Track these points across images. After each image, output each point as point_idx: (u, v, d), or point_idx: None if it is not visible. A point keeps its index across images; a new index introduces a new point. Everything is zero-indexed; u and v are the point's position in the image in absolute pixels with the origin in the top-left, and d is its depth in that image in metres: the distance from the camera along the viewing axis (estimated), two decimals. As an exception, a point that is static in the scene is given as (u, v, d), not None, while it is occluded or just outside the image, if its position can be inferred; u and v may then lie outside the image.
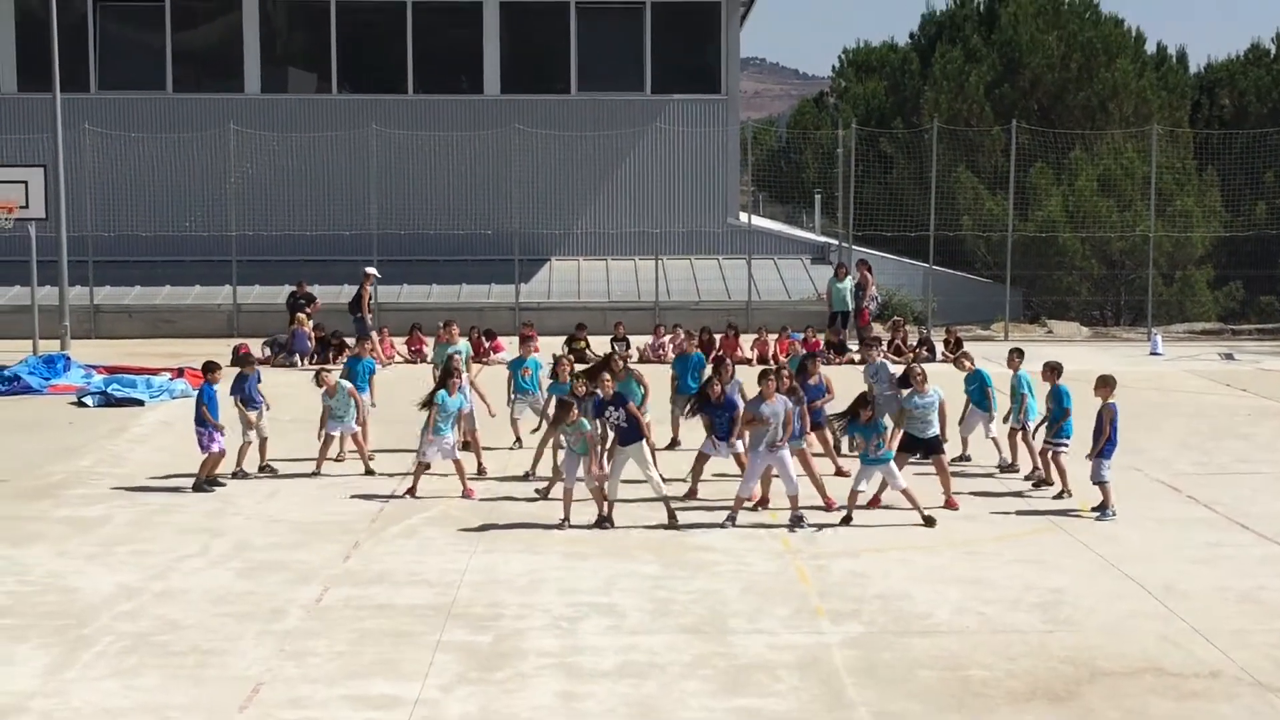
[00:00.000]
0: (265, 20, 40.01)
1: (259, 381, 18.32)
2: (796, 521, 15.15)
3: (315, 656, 10.96)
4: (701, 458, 16.72)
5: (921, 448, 16.26)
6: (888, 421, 16.23)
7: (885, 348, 29.67)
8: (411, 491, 16.67)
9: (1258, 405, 24.11)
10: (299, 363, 29.55)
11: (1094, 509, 15.69)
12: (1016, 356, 17.94)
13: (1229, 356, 31.13)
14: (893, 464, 15.34)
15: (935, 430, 16.39)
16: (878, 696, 10.15)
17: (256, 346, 30.38)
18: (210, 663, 10.82)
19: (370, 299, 31.07)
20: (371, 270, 31.64)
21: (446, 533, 14.86)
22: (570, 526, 15.01)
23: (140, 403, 23.88)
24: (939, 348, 29.99)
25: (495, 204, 38.55)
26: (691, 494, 16.60)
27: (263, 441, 18.07)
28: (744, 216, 40.61)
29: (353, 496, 16.70)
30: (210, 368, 17.60)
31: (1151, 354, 31.86)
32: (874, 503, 15.80)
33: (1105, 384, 15.85)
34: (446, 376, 17.00)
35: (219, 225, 37.28)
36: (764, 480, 15.83)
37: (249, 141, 37.81)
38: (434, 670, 10.62)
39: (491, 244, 37.92)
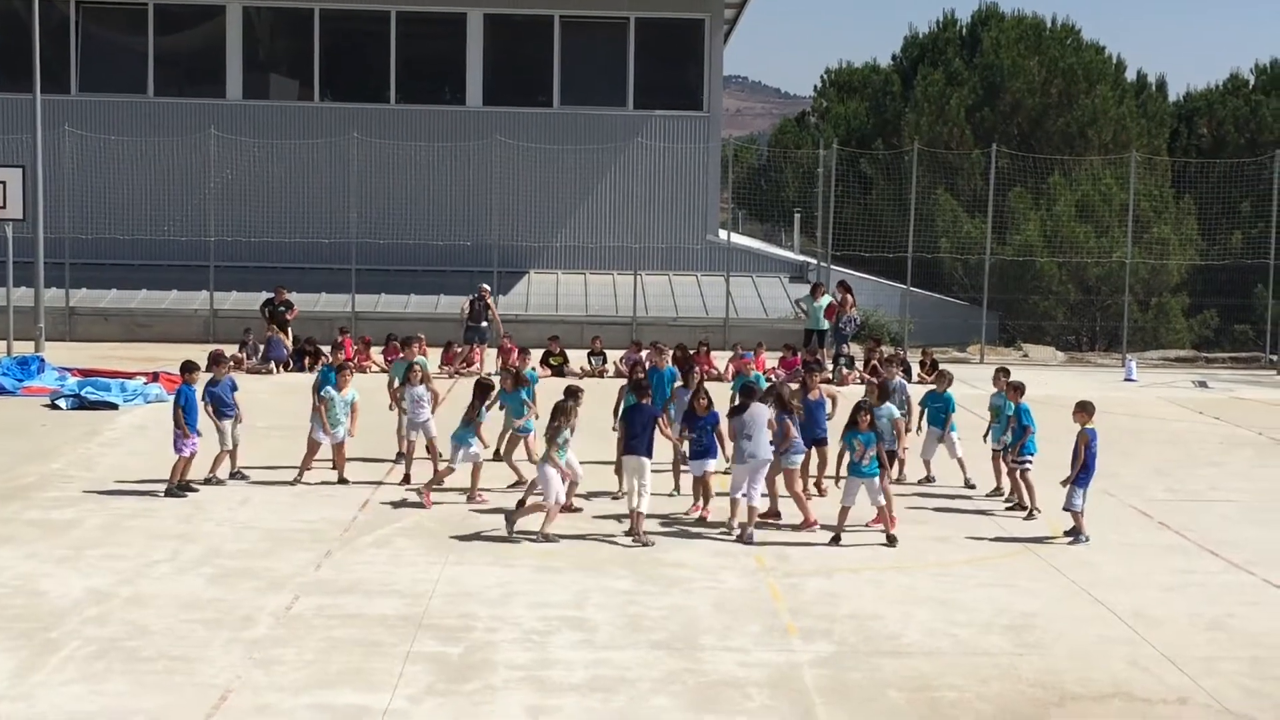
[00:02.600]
0: (248, 26, 39.96)
1: (234, 389, 18.06)
2: (743, 538, 15.24)
3: (284, 665, 10.92)
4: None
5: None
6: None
7: (863, 368, 29.87)
8: (426, 497, 16.67)
9: (1230, 433, 24.23)
10: (275, 370, 29.50)
11: (1066, 533, 15.74)
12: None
13: (1203, 384, 31.28)
14: (877, 480, 15.32)
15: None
16: (847, 716, 10.16)
17: (231, 353, 30.37)
18: (178, 669, 10.77)
19: (480, 308, 31.06)
20: (486, 286, 31.90)
21: (419, 543, 14.83)
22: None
23: (114, 406, 23.79)
24: (915, 369, 30.09)
25: (475, 215, 38.53)
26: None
27: (233, 449, 17.92)
28: (723, 234, 40.68)
29: (325, 505, 16.64)
30: (188, 368, 17.39)
31: (1126, 380, 31.97)
32: (878, 519, 15.75)
33: (1084, 409, 15.81)
34: (485, 392, 17.03)
35: (197, 230, 37.22)
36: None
37: (229, 147, 37.74)
38: (403, 681, 10.59)
39: (471, 255, 37.91)
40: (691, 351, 28.58)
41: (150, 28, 39.41)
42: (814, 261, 39.95)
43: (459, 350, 30.56)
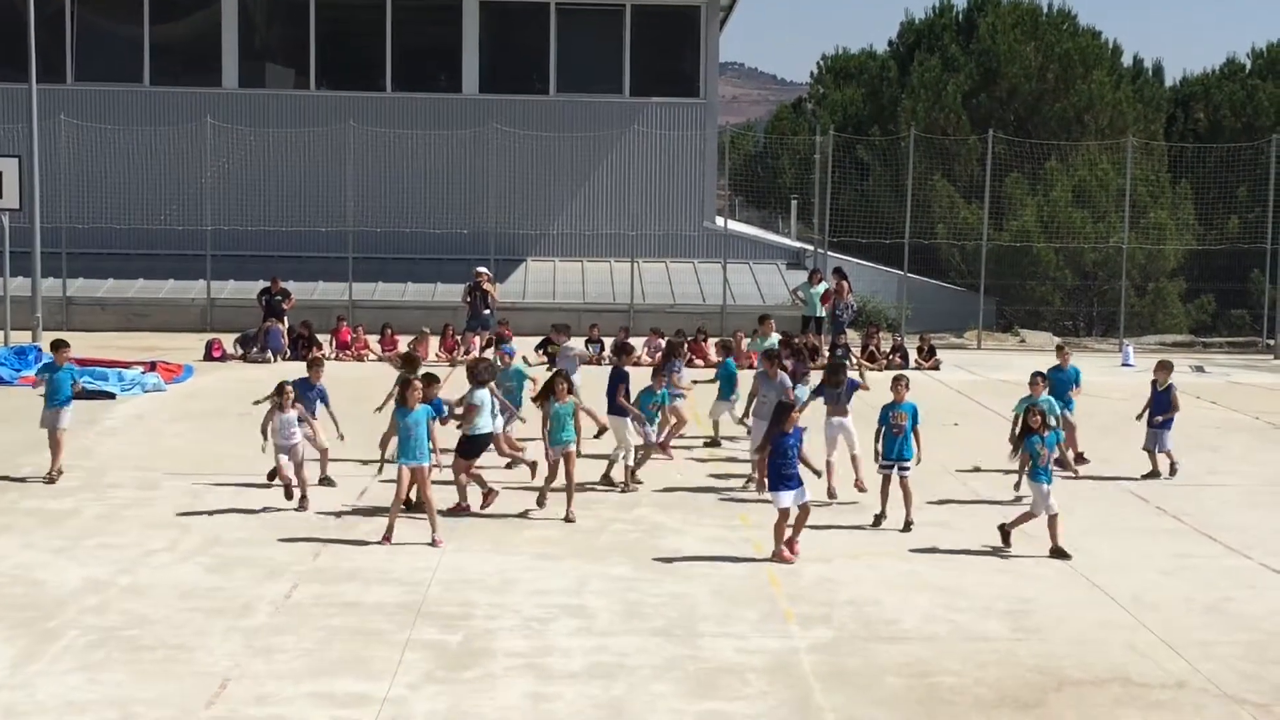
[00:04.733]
0: (244, 15, 39.88)
1: (323, 399, 17.06)
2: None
3: (283, 653, 10.93)
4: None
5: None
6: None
7: (861, 354, 29.87)
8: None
9: (1227, 418, 24.25)
10: (273, 359, 29.53)
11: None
12: (1041, 380, 17.19)
13: (1199, 369, 31.27)
14: (1047, 486, 14.37)
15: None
16: (845, 702, 10.18)
17: (229, 342, 30.39)
18: (178, 658, 10.78)
19: (478, 297, 30.94)
20: (483, 269, 31.74)
21: (417, 531, 14.82)
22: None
23: (112, 395, 23.78)
24: (912, 355, 30.15)
25: (472, 203, 38.52)
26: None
27: (323, 453, 17.00)
28: (720, 221, 40.66)
29: (324, 495, 16.60)
30: (429, 380, 15.66)
31: (1123, 365, 31.99)
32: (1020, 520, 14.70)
33: (1165, 368, 18.80)
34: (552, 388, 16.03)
35: (194, 219, 37.22)
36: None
37: (226, 136, 37.71)
38: (402, 669, 10.60)
39: (467, 243, 37.88)
40: (689, 339, 28.75)
41: (146, 16, 39.32)
42: (811, 248, 39.94)
43: (457, 337, 30.57)
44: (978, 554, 14.41)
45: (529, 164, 38.90)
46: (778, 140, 53.93)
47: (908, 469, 15.57)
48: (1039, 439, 14.40)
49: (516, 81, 40.23)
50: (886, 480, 15.61)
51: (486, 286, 31.19)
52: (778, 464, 13.88)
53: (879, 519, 15.51)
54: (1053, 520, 14.31)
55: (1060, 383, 18.39)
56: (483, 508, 15.79)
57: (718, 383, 20.07)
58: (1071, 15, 50.01)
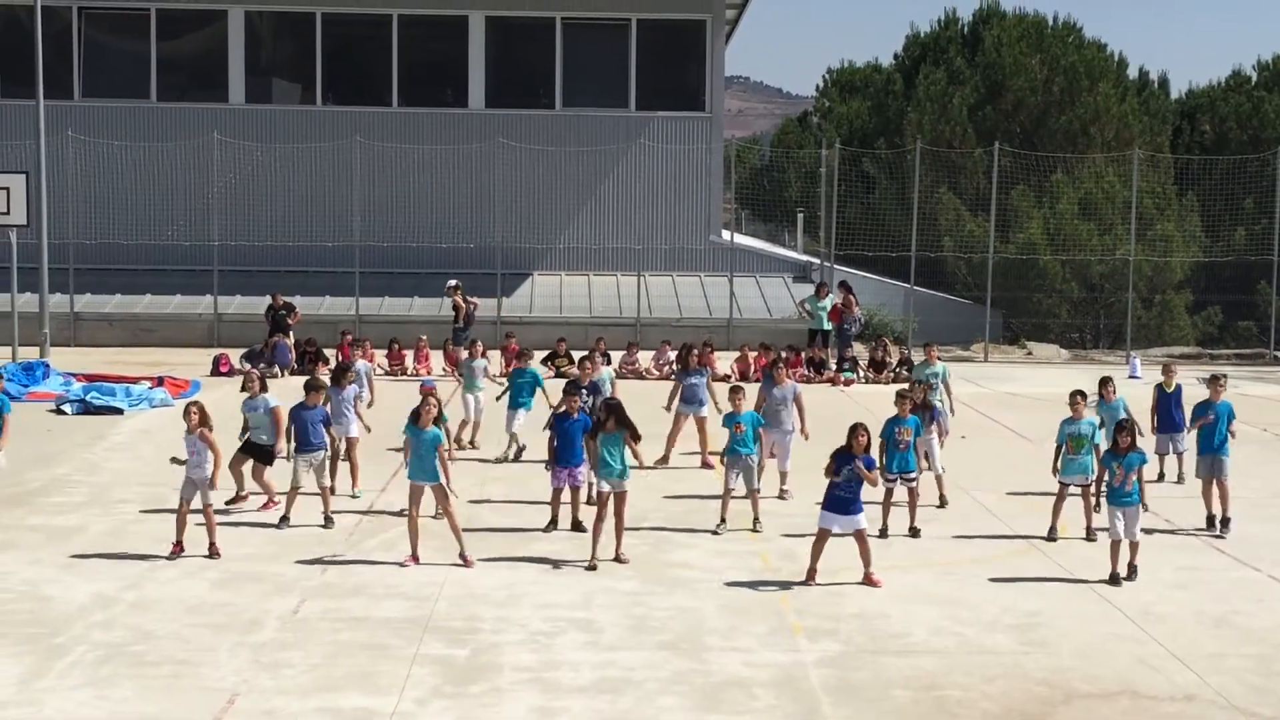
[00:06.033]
0: (250, 30, 39.97)
1: (325, 422, 16.24)
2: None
3: (291, 668, 10.93)
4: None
5: None
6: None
7: (866, 367, 29.86)
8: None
9: (1234, 429, 24.12)
10: (280, 374, 29.52)
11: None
12: (1081, 398, 16.18)
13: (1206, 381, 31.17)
14: (1140, 508, 13.91)
15: None
16: (853, 715, 10.16)
17: (236, 357, 30.39)
18: (185, 673, 10.78)
19: (463, 309, 30.98)
20: (452, 282, 31.72)
21: (424, 546, 14.80)
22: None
23: (119, 411, 23.81)
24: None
25: (478, 218, 38.54)
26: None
27: (322, 490, 16.06)
28: (726, 234, 40.67)
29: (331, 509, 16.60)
30: (570, 390, 15.49)
31: (1130, 377, 31.88)
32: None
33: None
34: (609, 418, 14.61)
35: (201, 234, 37.24)
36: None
37: (232, 151, 37.75)
38: (410, 683, 10.60)
39: (474, 258, 37.88)
40: (696, 351, 28.71)
41: (152, 33, 39.41)
42: (817, 261, 39.94)
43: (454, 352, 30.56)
44: (985, 567, 14.39)
45: (535, 178, 38.93)
46: (783, 154, 53.92)
47: (912, 480, 15.77)
48: (1119, 459, 13.89)
49: (523, 96, 40.28)
50: (889, 494, 15.68)
51: (470, 299, 31.14)
52: (833, 483, 13.56)
53: (882, 533, 15.49)
54: (1131, 547, 13.89)
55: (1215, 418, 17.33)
56: (262, 508, 16.44)
57: (509, 391, 19.74)
58: (1077, 28, 50.00)
